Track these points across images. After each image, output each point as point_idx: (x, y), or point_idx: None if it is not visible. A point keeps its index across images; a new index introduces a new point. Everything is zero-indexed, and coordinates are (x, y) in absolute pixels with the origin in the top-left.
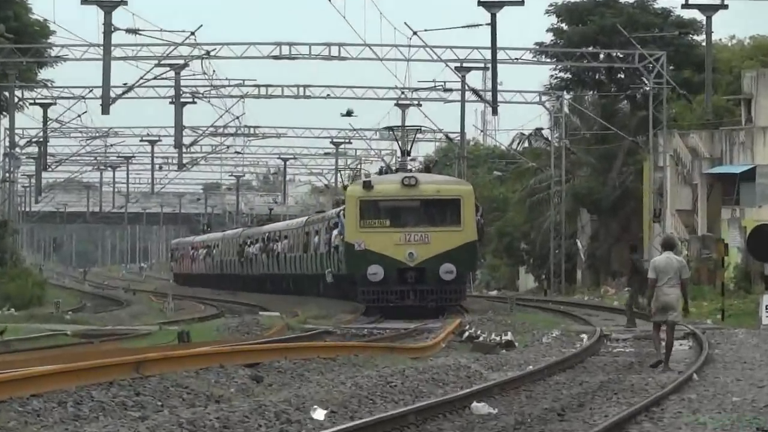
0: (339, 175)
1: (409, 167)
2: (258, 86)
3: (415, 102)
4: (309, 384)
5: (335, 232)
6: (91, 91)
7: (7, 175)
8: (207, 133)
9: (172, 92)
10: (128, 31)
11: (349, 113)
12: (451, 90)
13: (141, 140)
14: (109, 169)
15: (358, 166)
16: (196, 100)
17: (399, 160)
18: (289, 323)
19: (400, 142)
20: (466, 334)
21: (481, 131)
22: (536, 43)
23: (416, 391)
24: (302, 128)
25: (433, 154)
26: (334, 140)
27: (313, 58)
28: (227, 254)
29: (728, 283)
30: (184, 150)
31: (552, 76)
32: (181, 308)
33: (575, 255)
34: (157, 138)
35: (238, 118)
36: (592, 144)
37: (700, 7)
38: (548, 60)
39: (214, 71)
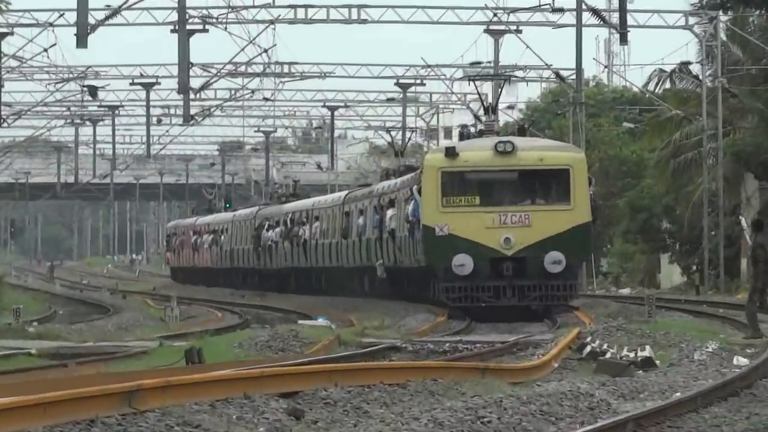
0: (408, 129)
1: (496, 128)
2: (294, 6)
3: (512, 27)
4: (369, 421)
5: (390, 212)
6: (61, 15)
7: None
8: (224, 72)
9: (174, 16)
10: None
11: None
12: (562, 10)
13: (132, 83)
14: (88, 123)
15: (434, 117)
16: (208, 26)
17: (484, 120)
18: (340, 336)
19: (486, 94)
20: (588, 348)
21: (605, 67)
22: None
23: (519, 429)
24: (356, 65)
25: (538, 100)
26: (401, 81)
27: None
28: (239, 241)
29: None
30: (192, 96)
31: None
32: (189, 316)
33: (738, 238)
34: (154, 80)
35: (266, 51)
36: (760, 83)
37: None
38: None
39: None
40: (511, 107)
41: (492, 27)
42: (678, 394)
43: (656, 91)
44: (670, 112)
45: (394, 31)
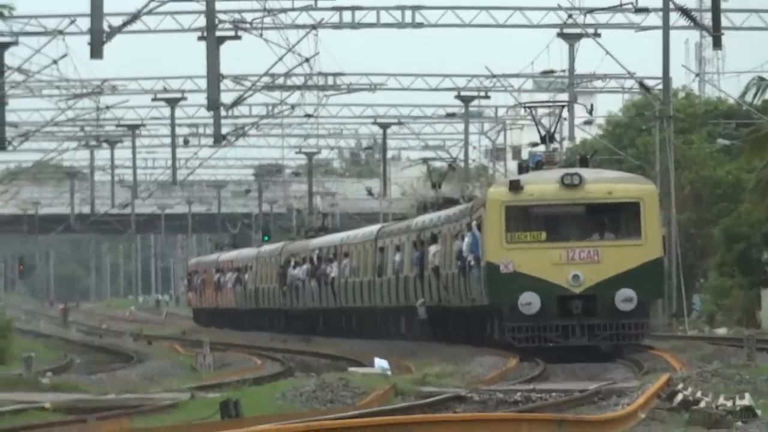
0: (470, 147)
1: (557, 159)
2: (339, 9)
3: (590, 31)
4: None
5: (433, 248)
6: (73, 22)
7: None
8: (259, 85)
9: (201, 21)
10: None
11: None
12: (647, 10)
13: (154, 99)
14: (105, 146)
15: (500, 133)
16: (240, 32)
17: (543, 151)
18: (396, 385)
19: (545, 118)
20: (679, 397)
21: (696, 76)
22: None
23: None
24: (410, 75)
25: (620, 113)
26: (462, 94)
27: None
28: (264, 280)
29: None
30: (223, 113)
31: None
32: (224, 363)
33: None
34: (179, 95)
35: (308, 60)
36: None
37: None
38: None
39: None
40: (588, 122)
41: (566, 30)
42: None
43: (755, 102)
44: None
45: (454, 37)
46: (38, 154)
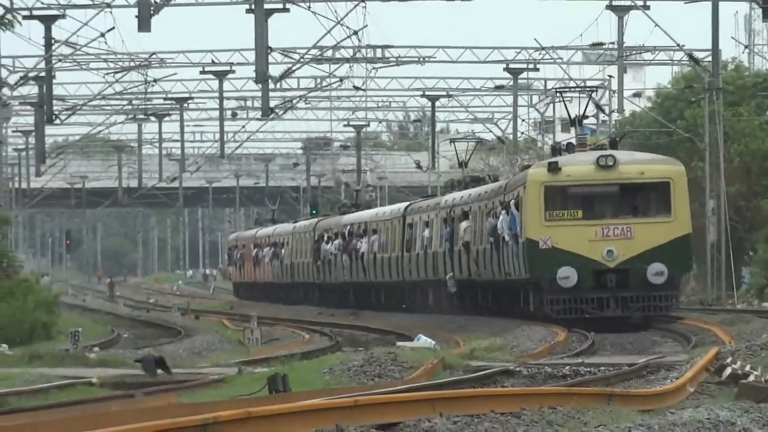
0: (519, 120)
1: (588, 141)
2: None
3: (639, 2)
4: None
5: (464, 224)
6: None
7: None
8: (307, 58)
9: None
10: None
11: None
12: None
13: (202, 72)
14: (153, 119)
15: (549, 106)
16: (288, 5)
17: (576, 134)
18: (444, 359)
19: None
20: (728, 371)
21: (746, 48)
22: None
23: None
24: (459, 48)
25: (669, 86)
26: (511, 66)
27: None
28: (299, 255)
29: None
30: (271, 86)
31: None
32: (272, 338)
33: None
34: (227, 68)
35: (356, 33)
36: None
37: None
38: None
39: None
40: (637, 95)
41: (615, 2)
42: None
43: None
44: None
45: (503, 9)
46: (86, 127)
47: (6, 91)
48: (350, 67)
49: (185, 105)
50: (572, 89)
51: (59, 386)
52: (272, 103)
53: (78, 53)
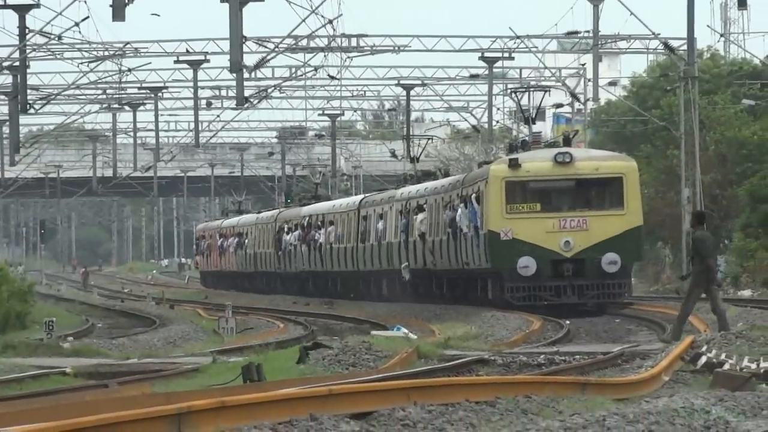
0: (494, 109)
1: (542, 139)
2: None
3: None
4: None
5: (420, 216)
6: None
7: None
8: (282, 47)
9: None
10: None
11: None
12: None
13: (177, 61)
14: (127, 108)
15: (525, 94)
16: None
17: (529, 134)
18: (419, 348)
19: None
20: (703, 359)
21: (721, 36)
22: None
23: None
24: (434, 37)
25: (644, 74)
26: (486, 55)
27: None
28: (262, 245)
29: None
30: (246, 76)
31: None
32: (246, 327)
33: None
34: (202, 57)
35: (331, 22)
36: None
37: None
38: None
39: None
40: (613, 83)
41: None
42: None
43: None
44: None
45: None
46: (60, 117)
47: None
48: (325, 56)
49: (160, 94)
50: (526, 89)
51: (33, 376)
52: (247, 93)
53: (52, 43)
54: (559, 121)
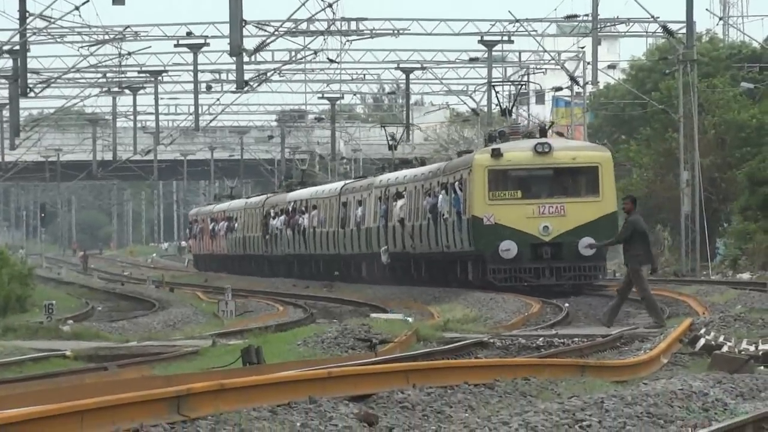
0: (494, 93)
1: (521, 130)
2: None
3: None
4: (451, 426)
5: (400, 202)
6: None
7: None
8: (282, 31)
9: None
10: None
11: None
12: None
13: (177, 45)
14: (128, 92)
15: (524, 79)
16: None
17: (506, 125)
18: (418, 330)
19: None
20: (701, 342)
21: (720, 19)
22: None
23: None
24: (433, 20)
25: (643, 58)
26: (485, 38)
27: None
28: (250, 229)
29: None
30: (246, 59)
31: None
32: (246, 310)
33: None
34: (202, 41)
35: (330, 6)
36: None
37: None
38: None
39: None
40: (612, 67)
41: None
42: None
43: None
44: None
45: None
46: (60, 100)
47: None
48: (325, 39)
49: (160, 78)
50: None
51: (33, 359)
52: (247, 76)
53: (52, 26)
54: (558, 105)
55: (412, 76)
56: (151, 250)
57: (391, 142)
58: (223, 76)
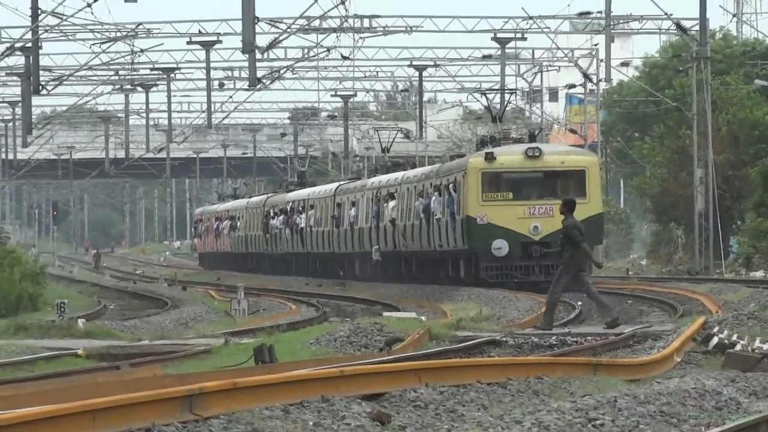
0: (507, 91)
1: (511, 135)
2: None
3: None
4: (464, 425)
5: (392, 203)
6: None
7: None
8: (295, 28)
9: None
10: None
11: None
12: None
13: (189, 42)
14: (140, 89)
15: (537, 76)
16: None
17: (499, 131)
18: (431, 329)
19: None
20: (715, 340)
21: (734, 16)
22: None
23: None
24: (446, 17)
25: (656, 55)
26: (498, 36)
27: None
28: (252, 227)
29: None
30: (258, 57)
31: None
32: (259, 309)
33: None
34: (215, 38)
35: (343, 3)
36: None
37: None
38: None
39: None
40: (625, 64)
41: None
42: None
43: None
44: None
45: None
46: (73, 98)
47: None
48: (337, 36)
49: (172, 75)
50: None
51: (45, 358)
52: (259, 74)
53: (65, 24)
54: (571, 102)
55: (425, 73)
56: (163, 248)
57: (384, 144)
58: (236, 73)
